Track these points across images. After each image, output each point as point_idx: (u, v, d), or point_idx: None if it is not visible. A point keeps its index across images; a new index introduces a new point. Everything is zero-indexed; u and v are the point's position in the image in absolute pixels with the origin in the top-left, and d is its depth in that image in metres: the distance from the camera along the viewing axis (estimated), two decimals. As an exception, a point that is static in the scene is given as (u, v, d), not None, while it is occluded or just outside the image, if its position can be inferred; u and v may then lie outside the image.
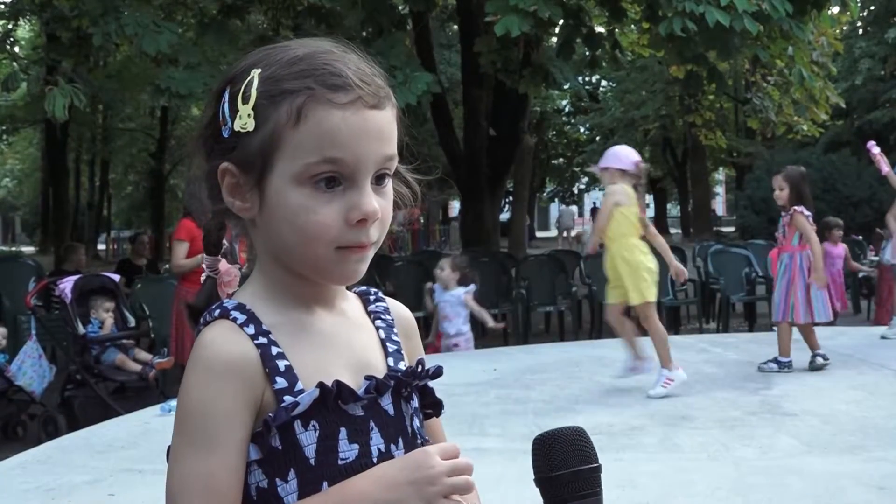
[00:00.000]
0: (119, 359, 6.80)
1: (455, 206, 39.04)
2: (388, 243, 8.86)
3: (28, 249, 33.10)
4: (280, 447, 1.06)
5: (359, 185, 1.07)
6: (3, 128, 27.79)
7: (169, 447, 1.08)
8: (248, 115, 1.06)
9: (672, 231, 39.46)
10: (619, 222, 6.00)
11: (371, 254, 1.10)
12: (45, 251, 28.88)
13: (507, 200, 28.06)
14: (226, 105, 1.09)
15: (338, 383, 1.08)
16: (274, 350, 1.08)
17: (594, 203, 45.96)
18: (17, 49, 20.55)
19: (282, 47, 1.12)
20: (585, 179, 45.09)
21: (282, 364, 1.07)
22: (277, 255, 1.11)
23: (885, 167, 8.09)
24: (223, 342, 1.06)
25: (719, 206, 54.52)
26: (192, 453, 1.04)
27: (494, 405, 5.86)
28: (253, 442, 1.06)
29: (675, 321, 10.77)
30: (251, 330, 1.08)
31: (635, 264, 5.95)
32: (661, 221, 42.58)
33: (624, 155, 6.20)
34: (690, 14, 8.77)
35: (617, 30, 12.75)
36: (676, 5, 8.91)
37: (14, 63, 14.39)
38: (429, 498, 1.02)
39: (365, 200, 1.07)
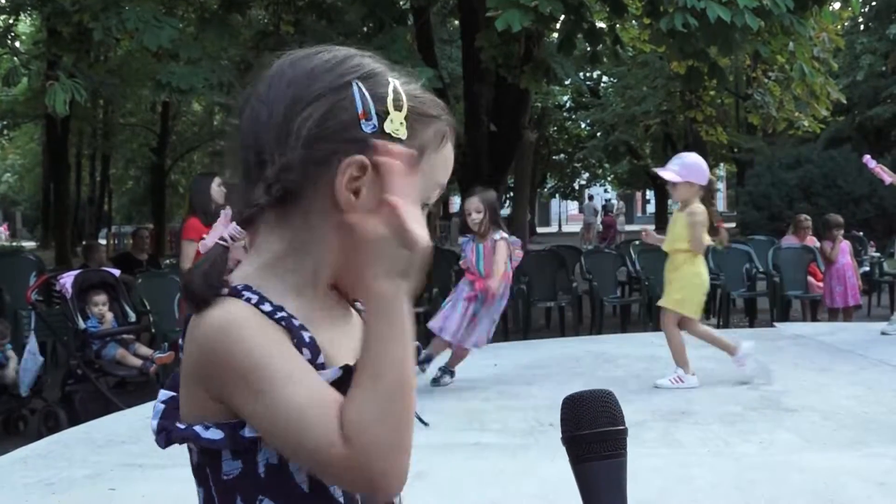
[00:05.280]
0: (120, 354, 6.80)
1: (455, 202, 39.02)
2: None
3: (29, 244, 33.10)
4: None
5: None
6: (4, 123, 27.74)
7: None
8: (401, 124, 1.06)
9: (673, 227, 39.36)
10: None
11: None
12: (45, 246, 28.89)
13: (507, 196, 28.05)
14: (368, 100, 1.05)
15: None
16: (296, 322, 1.04)
17: (605, 201, 45.85)
18: (17, 44, 20.51)
19: (372, 57, 1.11)
20: (586, 175, 45.05)
21: (306, 335, 1.04)
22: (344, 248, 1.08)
23: (888, 177, 8.11)
24: (243, 310, 1.02)
25: (720, 201, 54.47)
26: (283, 387, 0.98)
27: (495, 400, 5.87)
28: None
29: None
30: (267, 307, 1.04)
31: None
32: (662, 217, 42.63)
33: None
34: (691, 10, 8.75)
35: (618, 25, 12.71)
36: (677, 1, 8.90)
37: (15, 58, 14.33)
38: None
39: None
